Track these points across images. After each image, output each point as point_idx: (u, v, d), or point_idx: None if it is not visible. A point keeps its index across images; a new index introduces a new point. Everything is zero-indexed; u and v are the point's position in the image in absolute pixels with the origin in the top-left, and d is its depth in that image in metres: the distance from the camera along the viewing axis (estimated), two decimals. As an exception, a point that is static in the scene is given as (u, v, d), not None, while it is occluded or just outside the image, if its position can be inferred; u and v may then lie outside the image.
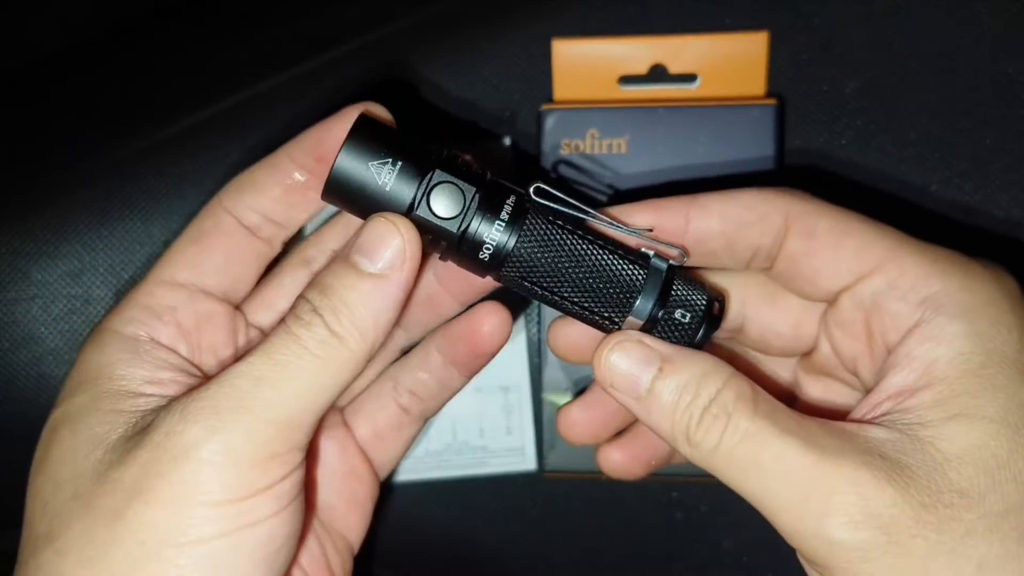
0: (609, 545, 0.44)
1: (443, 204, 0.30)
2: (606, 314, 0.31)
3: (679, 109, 0.39)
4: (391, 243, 0.30)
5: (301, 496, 0.31)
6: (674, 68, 0.40)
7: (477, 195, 0.30)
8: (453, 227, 0.30)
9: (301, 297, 0.30)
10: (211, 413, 0.28)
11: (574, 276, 0.31)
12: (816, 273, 0.32)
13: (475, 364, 0.37)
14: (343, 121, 0.33)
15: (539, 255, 0.31)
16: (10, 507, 0.45)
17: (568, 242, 0.31)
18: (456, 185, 0.30)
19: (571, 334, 0.35)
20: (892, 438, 0.28)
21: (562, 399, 0.41)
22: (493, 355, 0.37)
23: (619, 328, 0.31)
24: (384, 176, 0.30)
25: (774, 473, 0.27)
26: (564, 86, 0.41)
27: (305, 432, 0.30)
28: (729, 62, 0.40)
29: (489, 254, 0.30)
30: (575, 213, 0.31)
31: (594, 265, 0.31)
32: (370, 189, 0.30)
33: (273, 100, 0.42)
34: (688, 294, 0.31)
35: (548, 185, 0.31)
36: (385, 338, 0.31)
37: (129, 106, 0.43)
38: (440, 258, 0.32)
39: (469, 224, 0.30)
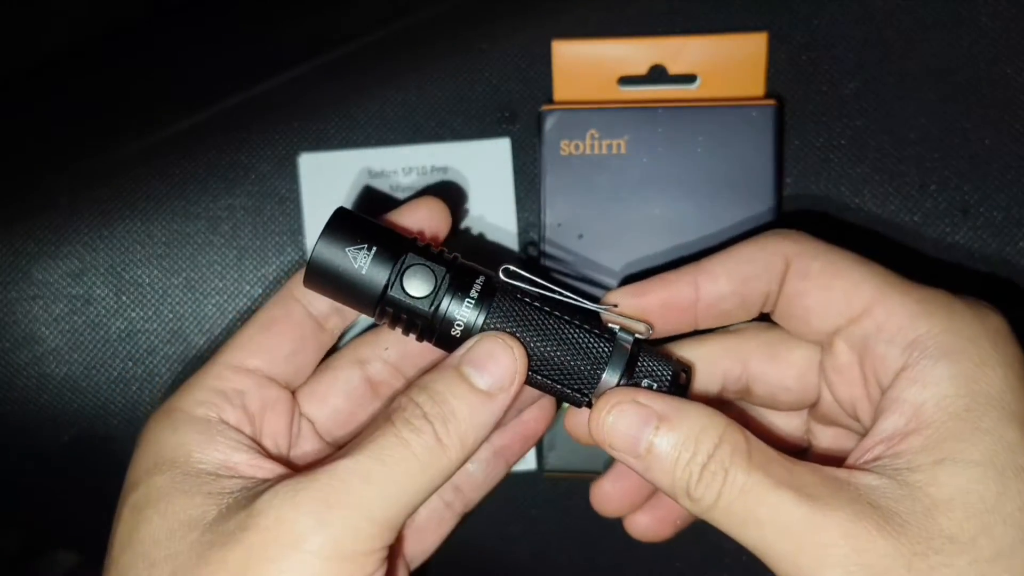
0: (609, 545, 0.44)
1: (416, 285, 0.31)
2: (575, 387, 0.32)
3: (678, 110, 0.39)
4: (504, 363, 0.31)
5: None
6: (673, 69, 0.40)
7: (448, 275, 0.32)
8: (425, 306, 0.32)
9: (408, 399, 0.31)
10: (322, 506, 0.29)
11: (542, 351, 0.32)
12: (809, 313, 0.33)
13: (522, 450, 0.39)
14: (411, 211, 0.35)
15: (508, 332, 0.32)
16: (10, 506, 0.45)
17: (535, 319, 0.32)
18: (427, 267, 0.32)
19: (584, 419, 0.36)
20: (883, 485, 0.28)
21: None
22: (539, 439, 0.39)
23: (588, 401, 0.33)
24: (360, 260, 0.31)
25: (771, 525, 0.28)
26: (564, 87, 0.41)
27: (397, 530, 0.30)
28: (728, 63, 0.40)
29: (460, 331, 0.32)
30: (542, 292, 0.33)
31: (561, 340, 0.32)
32: (347, 273, 0.31)
33: (274, 101, 0.42)
34: (654, 366, 0.32)
35: (518, 267, 0.33)
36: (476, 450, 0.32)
37: (130, 106, 0.43)
38: (416, 339, 0.33)
39: (440, 303, 0.32)
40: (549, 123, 0.40)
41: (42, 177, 0.42)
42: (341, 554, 0.29)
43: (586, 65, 0.41)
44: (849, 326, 0.32)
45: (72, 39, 0.46)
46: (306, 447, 0.36)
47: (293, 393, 0.36)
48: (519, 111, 0.42)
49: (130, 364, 0.42)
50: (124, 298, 0.41)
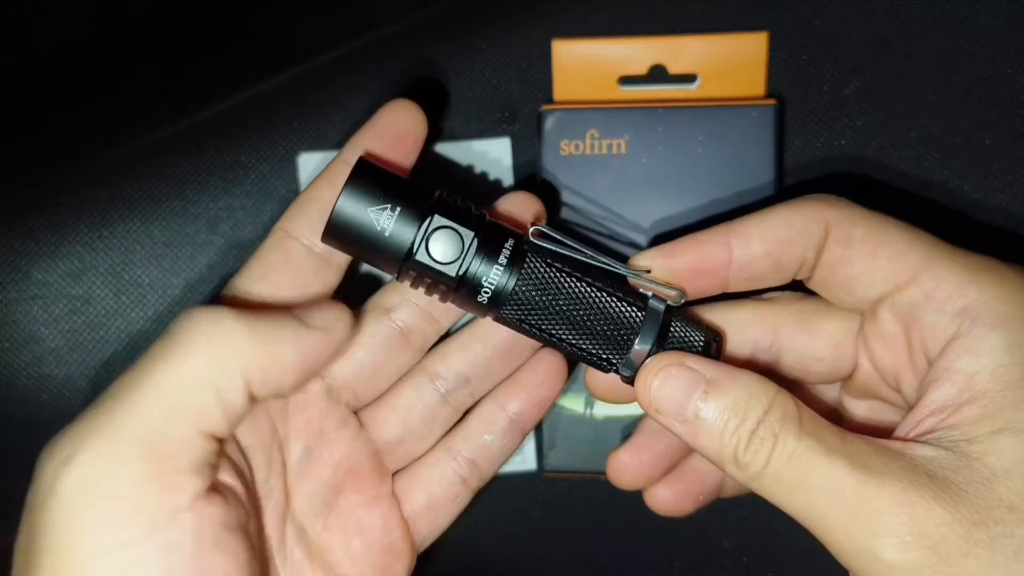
0: (609, 545, 0.44)
1: (442, 249, 0.30)
2: (604, 355, 0.32)
3: (679, 109, 0.39)
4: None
5: (224, 536, 0.28)
6: (674, 68, 0.40)
7: (476, 239, 0.30)
8: (452, 271, 0.30)
9: None
10: (68, 442, 0.26)
11: (572, 317, 0.31)
12: (852, 281, 0.32)
13: (537, 415, 0.37)
14: (391, 114, 0.33)
15: (537, 297, 0.31)
16: (10, 504, 0.45)
17: (566, 284, 0.31)
18: (455, 230, 0.30)
19: (606, 376, 0.34)
20: (938, 456, 0.27)
21: (562, 399, 0.41)
22: (552, 400, 0.37)
23: (616, 368, 0.32)
24: (383, 221, 0.30)
25: (822, 493, 0.27)
26: (564, 86, 0.41)
27: (190, 452, 0.28)
28: (729, 62, 0.40)
29: (488, 296, 0.31)
30: (573, 255, 0.32)
31: (592, 306, 0.31)
32: (369, 234, 0.30)
33: (273, 101, 0.42)
34: (686, 334, 0.32)
35: (548, 226, 0.32)
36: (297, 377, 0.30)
37: (129, 106, 0.43)
38: (440, 299, 0.32)
39: (468, 268, 0.30)
40: (549, 123, 0.40)
41: (42, 177, 0.42)
42: (100, 492, 0.26)
43: (586, 65, 0.41)
44: (895, 294, 0.31)
45: (71, 39, 0.46)
46: (311, 412, 0.34)
47: None
48: (519, 111, 0.42)
49: (130, 364, 0.42)
50: (124, 298, 0.41)
